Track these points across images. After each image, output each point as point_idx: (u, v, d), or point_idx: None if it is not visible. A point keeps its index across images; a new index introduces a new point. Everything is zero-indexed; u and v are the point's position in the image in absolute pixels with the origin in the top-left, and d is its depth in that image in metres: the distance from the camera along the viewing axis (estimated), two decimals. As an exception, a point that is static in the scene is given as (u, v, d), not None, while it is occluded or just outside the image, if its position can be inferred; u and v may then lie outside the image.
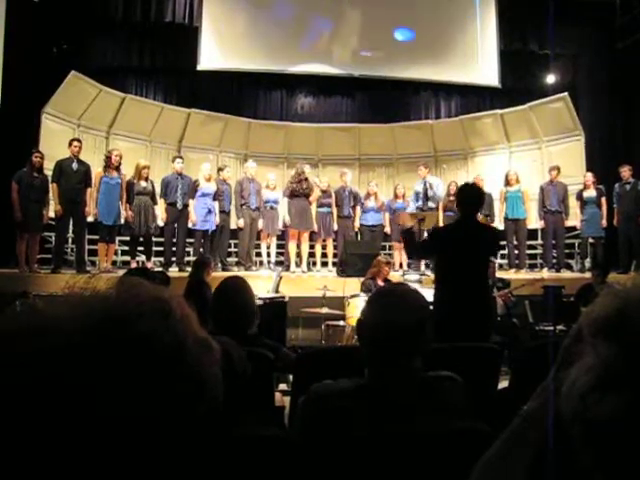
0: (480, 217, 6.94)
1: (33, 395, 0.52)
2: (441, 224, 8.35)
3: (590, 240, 9.84)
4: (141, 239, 8.93)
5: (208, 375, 0.61)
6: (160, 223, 9.13)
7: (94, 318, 0.57)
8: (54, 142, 9.29)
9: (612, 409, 0.62)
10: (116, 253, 9.61)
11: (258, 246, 9.96)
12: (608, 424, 0.63)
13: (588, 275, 8.12)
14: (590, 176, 9.71)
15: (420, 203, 9.84)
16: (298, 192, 9.37)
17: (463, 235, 4.18)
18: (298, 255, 9.68)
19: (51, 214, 8.29)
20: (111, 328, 0.56)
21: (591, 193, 9.63)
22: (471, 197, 4.32)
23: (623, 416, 0.61)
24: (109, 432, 0.53)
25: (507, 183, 10.04)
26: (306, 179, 9.46)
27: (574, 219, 9.84)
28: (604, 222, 9.59)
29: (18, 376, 0.53)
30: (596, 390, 0.64)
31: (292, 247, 9.54)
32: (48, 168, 8.32)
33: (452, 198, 9.76)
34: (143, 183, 8.78)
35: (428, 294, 5.17)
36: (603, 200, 9.65)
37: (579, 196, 9.73)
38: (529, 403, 1.12)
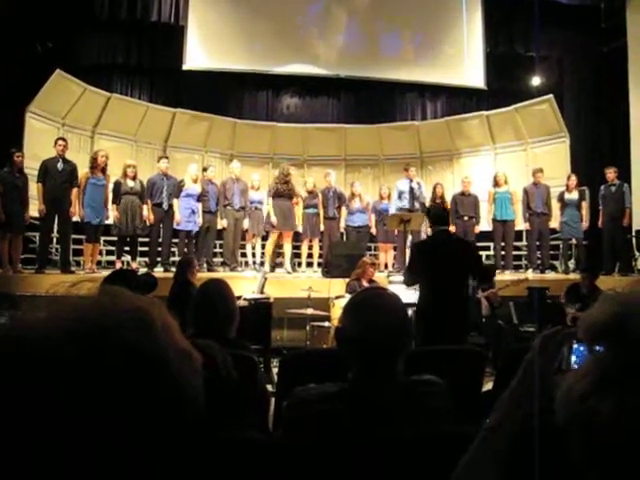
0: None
1: (13, 402, 0.52)
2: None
3: (573, 241, 9.92)
4: (128, 239, 8.87)
5: (189, 385, 0.60)
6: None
7: (75, 328, 0.56)
8: (38, 141, 9.22)
9: (609, 413, 0.63)
10: (101, 253, 9.54)
11: (243, 246, 9.95)
12: (605, 427, 0.63)
13: (572, 276, 8.17)
14: (574, 178, 9.75)
15: (405, 203, 9.85)
16: (282, 192, 9.36)
17: (440, 246, 4.80)
18: (279, 255, 9.68)
19: (34, 214, 8.21)
20: (92, 339, 0.55)
21: (573, 195, 9.68)
22: (439, 215, 5.14)
23: (619, 420, 0.62)
24: (90, 439, 0.52)
25: (496, 184, 10.06)
26: (290, 180, 9.46)
27: (557, 220, 9.88)
28: (584, 225, 9.66)
29: None
30: (593, 394, 0.65)
31: (269, 247, 9.54)
32: (29, 167, 8.25)
33: (438, 200, 9.79)
34: (130, 183, 8.71)
35: (412, 296, 5.22)
36: (584, 204, 9.72)
37: (560, 198, 9.77)
38: (492, 413, 1.13)
